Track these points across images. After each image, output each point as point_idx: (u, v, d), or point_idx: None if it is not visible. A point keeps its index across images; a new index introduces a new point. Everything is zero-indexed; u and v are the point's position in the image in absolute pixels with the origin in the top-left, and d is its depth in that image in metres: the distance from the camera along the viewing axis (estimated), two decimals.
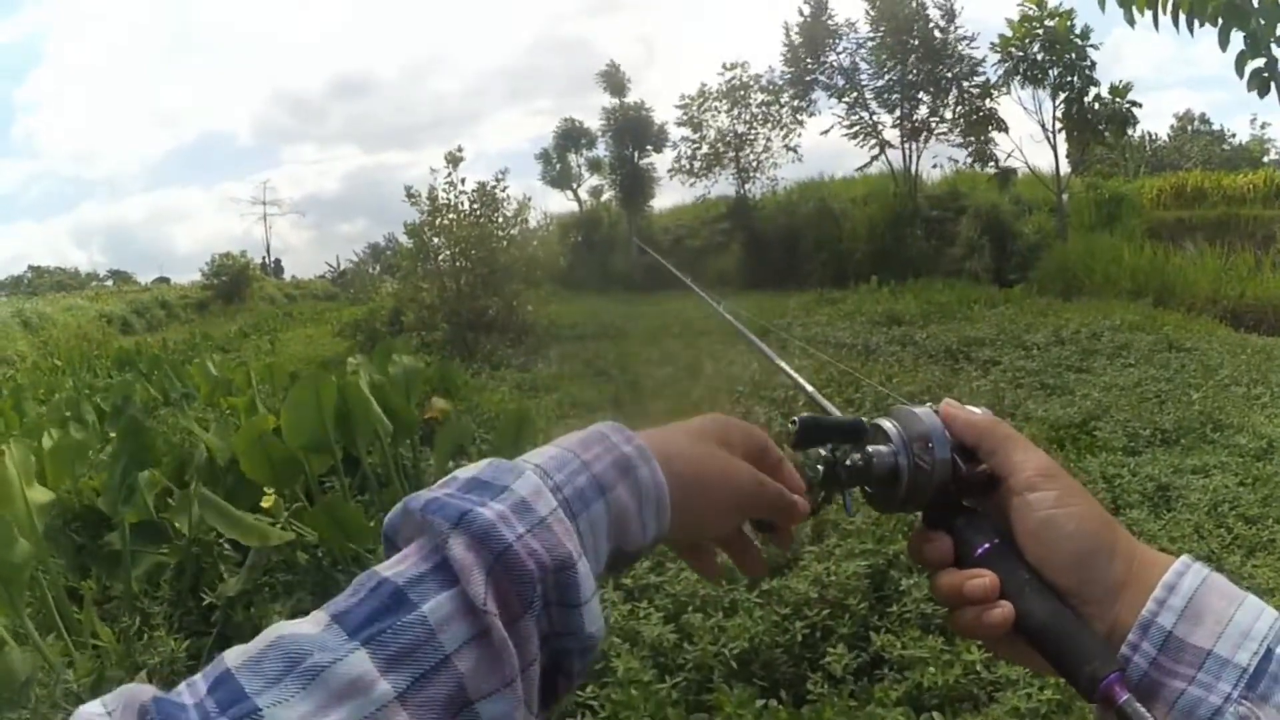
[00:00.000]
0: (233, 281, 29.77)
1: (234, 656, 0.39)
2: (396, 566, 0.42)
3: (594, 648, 0.45)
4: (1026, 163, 18.52)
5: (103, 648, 3.46)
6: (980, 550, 0.56)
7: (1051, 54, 16.67)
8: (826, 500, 0.62)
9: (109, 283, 39.90)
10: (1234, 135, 34.38)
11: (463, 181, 13.53)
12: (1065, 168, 17.95)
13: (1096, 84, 16.71)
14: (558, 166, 25.37)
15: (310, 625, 0.40)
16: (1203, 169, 23.10)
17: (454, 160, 13.50)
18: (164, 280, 38.76)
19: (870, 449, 0.60)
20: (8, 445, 3.92)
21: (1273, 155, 29.27)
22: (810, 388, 0.69)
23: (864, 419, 0.62)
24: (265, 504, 4.41)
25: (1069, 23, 16.49)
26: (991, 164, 18.84)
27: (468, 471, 0.48)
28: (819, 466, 0.61)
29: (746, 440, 0.59)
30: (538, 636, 0.42)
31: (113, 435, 5.76)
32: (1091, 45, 16.57)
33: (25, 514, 3.60)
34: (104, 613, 3.82)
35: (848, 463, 0.60)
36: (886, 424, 0.61)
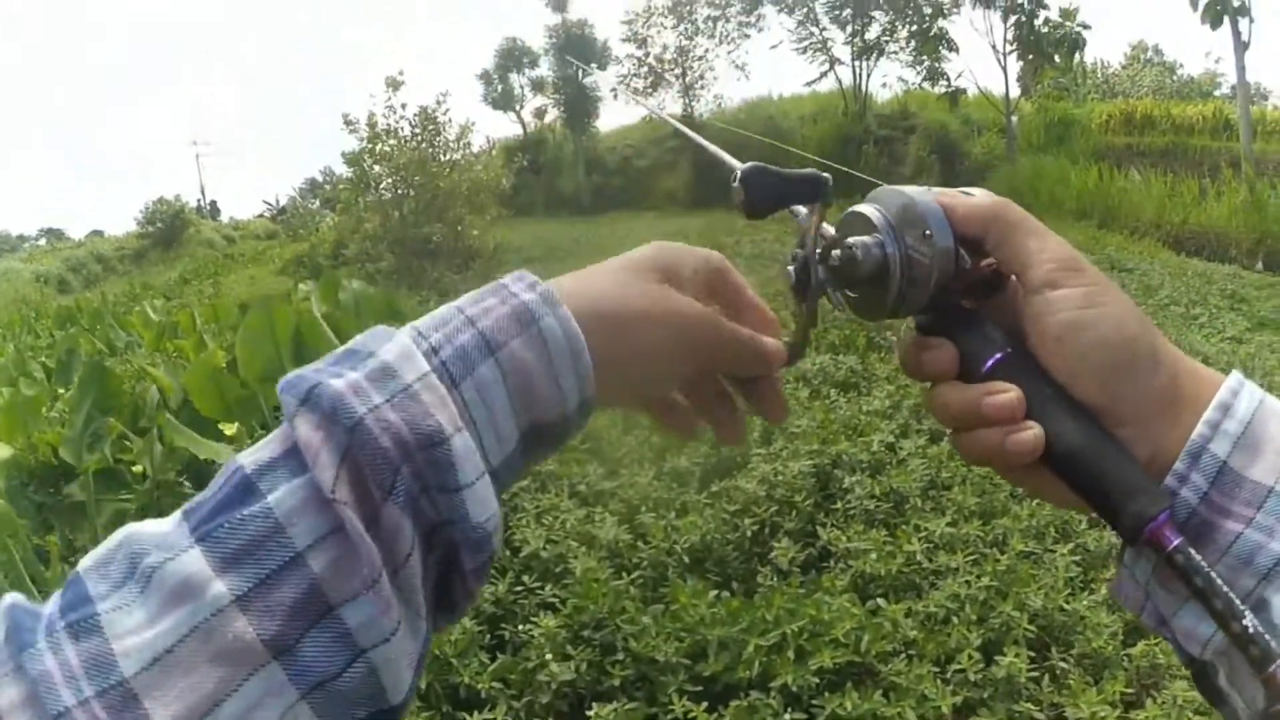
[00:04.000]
0: (169, 228, 28.83)
1: (87, 559, 0.35)
2: (256, 453, 0.36)
3: (486, 542, 0.37)
4: (977, 84, 18.60)
5: None
6: (990, 362, 0.46)
7: None
8: (809, 328, 0.50)
9: (41, 242, 38.37)
10: (1181, 66, 34.88)
11: (403, 106, 13.15)
12: (1015, 90, 18.07)
13: (1046, 7, 16.76)
14: (499, 88, 24.57)
15: (164, 523, 0.36)
16: (1154, 98, 23.34)
17: (394, 84, 13.06)
18: (98, 234, 37.67)
19: (851, 241, 0.47)
20: None
21: (1224, 90, 29.70)
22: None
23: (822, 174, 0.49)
24: (228, 432, 4.32)
25: None
26: (943, 82, 18.82)
27: (351, 342, 0.40)
28: (790, 269, 0.50)
29: (700, 269, 0.48)
30: (412, 527, 0.35)
31: (62, 392, 5.61)
32: None
33: None
34: (70, 566, 3.77)
35: (826, 262, 0.49)
36: (868, 209, 0.49)
